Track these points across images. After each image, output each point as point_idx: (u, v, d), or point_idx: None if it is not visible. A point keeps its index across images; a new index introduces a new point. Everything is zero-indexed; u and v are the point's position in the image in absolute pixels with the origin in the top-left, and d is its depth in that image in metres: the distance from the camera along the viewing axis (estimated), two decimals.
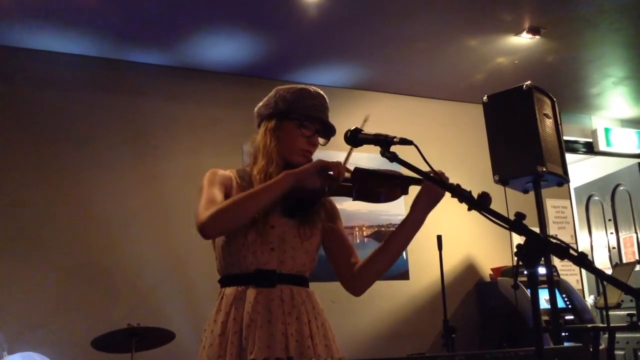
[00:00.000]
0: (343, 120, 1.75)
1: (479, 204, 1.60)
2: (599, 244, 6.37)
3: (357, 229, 4.82)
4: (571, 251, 1.22)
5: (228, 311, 1.70)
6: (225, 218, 1.62)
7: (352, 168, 1.72)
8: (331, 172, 1.62)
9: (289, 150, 1.80)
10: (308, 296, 1.78)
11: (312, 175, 1.62)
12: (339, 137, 1.76)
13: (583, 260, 1.22)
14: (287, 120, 1.81)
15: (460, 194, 1.57)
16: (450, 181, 1.59)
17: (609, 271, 5.62)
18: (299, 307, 1.72)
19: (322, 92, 1.88)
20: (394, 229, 1.80)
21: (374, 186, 1.71)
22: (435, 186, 1.65)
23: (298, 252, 1.76)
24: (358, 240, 4.81)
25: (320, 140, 1.86)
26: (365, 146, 1.66)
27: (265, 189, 1.63)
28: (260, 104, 1.90)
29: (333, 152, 1.88)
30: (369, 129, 1.68)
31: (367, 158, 1.88)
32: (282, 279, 1.73)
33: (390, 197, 1.72)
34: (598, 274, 1.28)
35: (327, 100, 1.88)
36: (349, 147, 1.68)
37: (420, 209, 1.72)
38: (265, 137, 1.81)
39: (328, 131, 1.86)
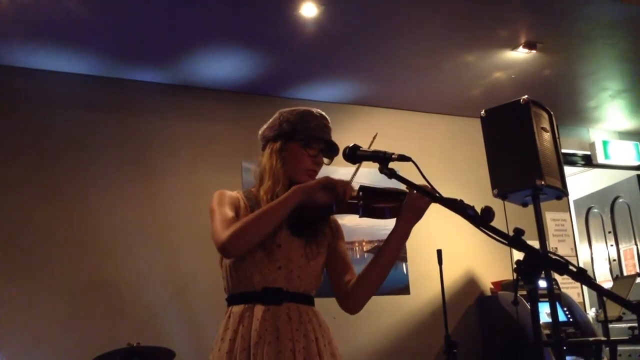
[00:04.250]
0: (342, 136, 1.77)
1: (483, 219, 1.61)
2: (599, 256, 6.36)
3: (357, 244, 4.81)
4: (570, 267, 1.22)
5: (236, 329, 1.71)
6: (246, 236, 1.66)
7: (357, 186, 1.77)
8: (337, 189, 1.66)
9: (294, 170, 1.83)
10: (314, 314, 1.80)
11: (319, 191, 1.67)
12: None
13: (582, 276, 1.22)
14: (292, 141, 1.85)
15: (464, 212, 1.54)
16: (450, 195, 1.60)
17: (610, 283, 5.61)
18: (306, 325, 1.73)
19: (324, 113, 1.92)
20: None
21: (380, 203, 1.77)
22: (419, 199, 1.71)
23: (305, 271, 1.78)
24: (358, 256, 4.80)
25: (325, 159, 1.90)
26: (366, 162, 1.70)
27: (279, 204, 1.68)
28: (265, 126, 1.94)
29: (333, 167, 1.90)
30: (365, 144, 1.71)
31: (368, 172, 1.92)
32: (289, 297, 1.74)
33: (395, 212, 1.78)
34: (597, 289, 1.28)
35: (330, 121, 1.92)
36: (348, 164, 1.72)
37: (406, 221, 1.77)
38: (271, 159, 1.85)
39: (331, 151, 1.90)
